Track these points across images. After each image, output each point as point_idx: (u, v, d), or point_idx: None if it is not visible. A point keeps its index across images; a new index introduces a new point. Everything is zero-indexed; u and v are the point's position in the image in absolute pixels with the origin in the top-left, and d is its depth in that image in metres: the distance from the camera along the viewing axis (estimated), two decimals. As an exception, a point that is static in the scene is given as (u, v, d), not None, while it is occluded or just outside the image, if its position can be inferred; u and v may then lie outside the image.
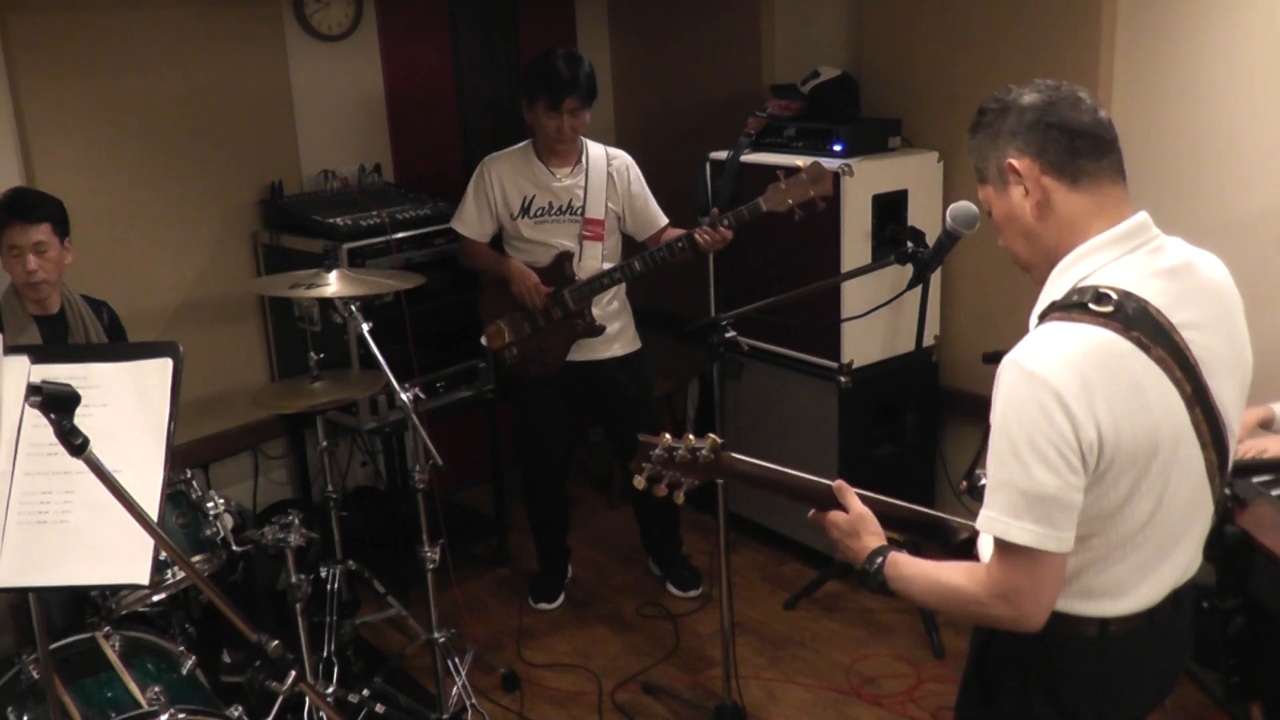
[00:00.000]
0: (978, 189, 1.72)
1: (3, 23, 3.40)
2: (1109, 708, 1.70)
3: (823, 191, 3.20)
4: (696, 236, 3.34)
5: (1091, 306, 1.52)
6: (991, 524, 1.54)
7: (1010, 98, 1.64)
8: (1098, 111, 1.61)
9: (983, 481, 1.61)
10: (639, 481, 1.92)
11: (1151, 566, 1.63)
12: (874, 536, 1.76)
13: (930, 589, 1.66)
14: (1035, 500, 1.49)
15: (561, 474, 3.94)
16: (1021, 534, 1.51)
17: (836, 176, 3.50)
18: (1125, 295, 1.53)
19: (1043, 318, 1.59)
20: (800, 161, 3.25)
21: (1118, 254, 1.58)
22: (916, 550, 1.74)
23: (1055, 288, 1.62)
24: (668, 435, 1.89)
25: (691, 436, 1.89)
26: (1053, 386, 1.47)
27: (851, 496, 1.81)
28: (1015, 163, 1.61)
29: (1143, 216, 1.61)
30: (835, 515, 1.81)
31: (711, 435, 1.90)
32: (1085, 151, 1.58)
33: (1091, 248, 1.59)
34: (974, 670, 1.82)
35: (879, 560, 1.71)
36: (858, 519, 1.79)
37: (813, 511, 1.85)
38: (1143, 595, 1.64)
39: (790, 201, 3.20)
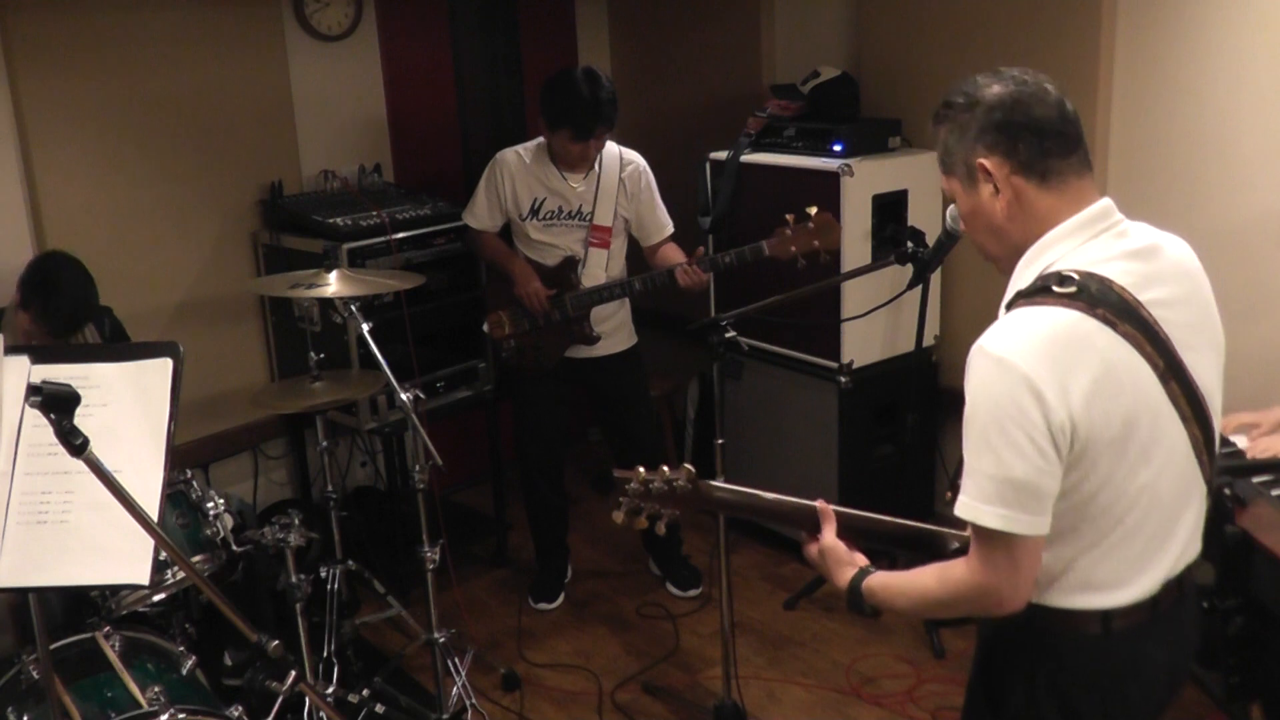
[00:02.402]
0: (942, 179, 1.70)
1: (3, 23, 3.40)
2: (1117, 710, 1.69)
3: (829, 244, 3.16)
4: (678, 276, 3.39)
5: (1055, 289, 1.52)
6: (965, 509, 1.55)
7: (976, 92, 1.62)
8: (1064, 104, 1.60)
9: None
10: (618, 516, 1.88)
11: (1149, 554, 1.62)
12: (845, 566, 1.77)
13: (912, 598, 1.67)
14: (1005, 485, 1.50)
15: (558, 470, 3.93)
16: (993, 518, 1.51)
17: (838, 184, 3.50)
18: (1088, 276, 1.54)
19: (1009, 307, 1.59)
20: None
21: (1082, 239, 1.58)
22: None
23: (1021, 278, 1.62)
24: (642, 469, 1.86)
25: (666, 468, 1.86)
26: (1021, 371, 1.47)
27: (828, 526, 1.82)
28: (985, 162, 1.60)
29: (1106, 202, 1.61)
30: (810, 549, 1.84)
31: (687, 465, 1.87)
32: (1055, 151, 1.58)
33: (1055, 236, 1.59)
34: (979, 676, 1.81)
35: (857, 590, 1.72)
36: (827, 551, 1.80)
37: (805, 535, 1.87)
38: (1143, 584, 1.63)
39: (794, 249, 3.17)
